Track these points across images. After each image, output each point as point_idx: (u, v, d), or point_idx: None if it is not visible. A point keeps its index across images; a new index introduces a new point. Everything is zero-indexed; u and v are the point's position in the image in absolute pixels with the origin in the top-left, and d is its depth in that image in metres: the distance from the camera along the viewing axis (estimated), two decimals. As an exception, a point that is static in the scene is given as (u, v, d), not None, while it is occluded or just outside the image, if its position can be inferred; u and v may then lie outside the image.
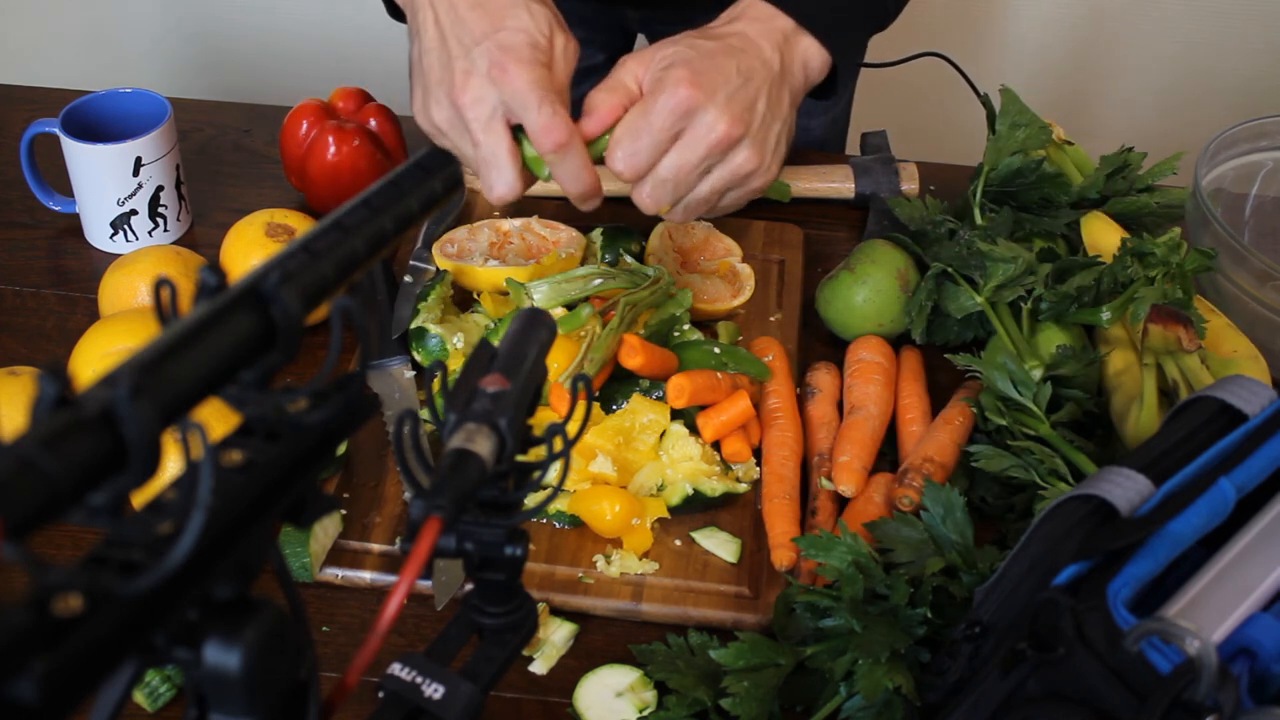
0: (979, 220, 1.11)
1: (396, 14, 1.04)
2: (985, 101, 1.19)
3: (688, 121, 0.93)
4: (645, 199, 0.96)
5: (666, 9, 0.97)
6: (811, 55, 1.00)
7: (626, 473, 0.95)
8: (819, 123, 1.48)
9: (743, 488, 0.97)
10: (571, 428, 0.63)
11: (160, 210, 1.18)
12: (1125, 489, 0.68)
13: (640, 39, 1.52)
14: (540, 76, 0.91)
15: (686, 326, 1.05)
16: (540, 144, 0.92)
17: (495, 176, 0.94)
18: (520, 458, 0.63)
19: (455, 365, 1.01)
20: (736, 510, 0.96)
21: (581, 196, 0.96)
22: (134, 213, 1.17)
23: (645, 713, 0.83)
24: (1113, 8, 2.20)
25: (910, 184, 1.25)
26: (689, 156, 0.94)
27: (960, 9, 2.19)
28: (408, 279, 1.12)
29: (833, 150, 1.51)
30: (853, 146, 1.52)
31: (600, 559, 0.92)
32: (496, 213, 1.20)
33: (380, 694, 0.62)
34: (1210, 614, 0.62)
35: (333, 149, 1.16)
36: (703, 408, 0.98)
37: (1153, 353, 0.95)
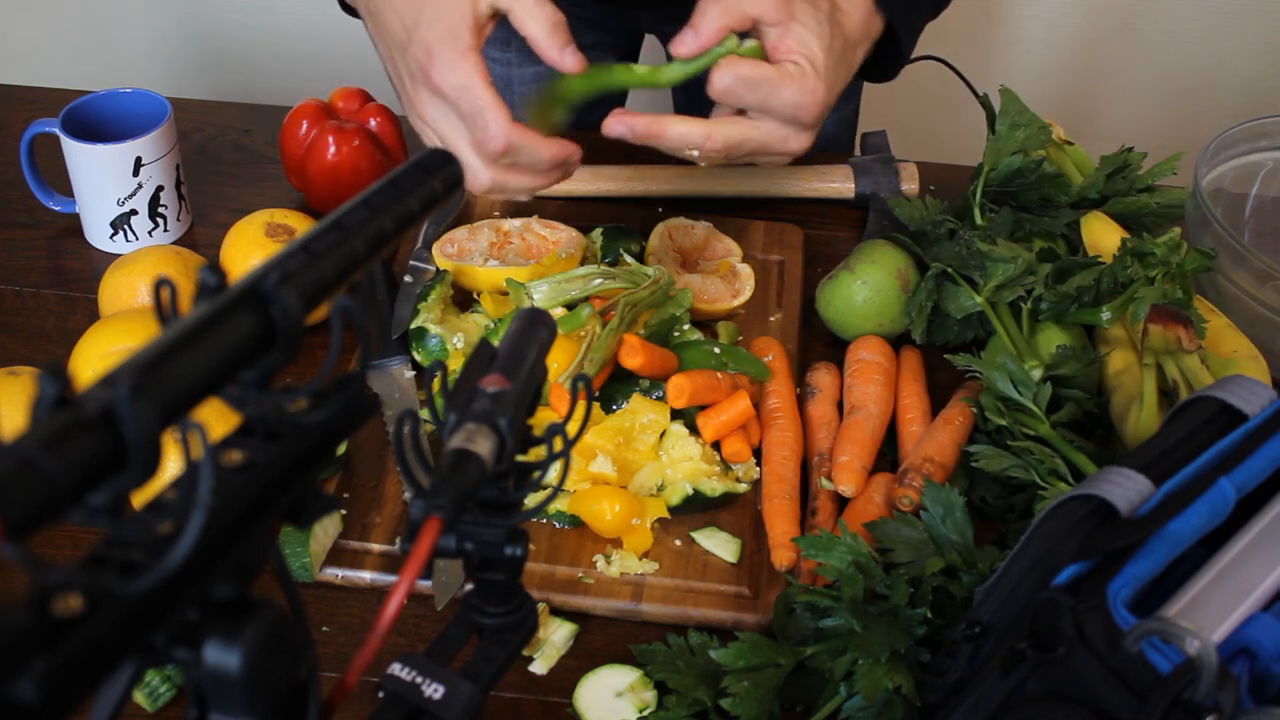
0: (979, 220, 1.11)
1: (348, 9, 1.04)
2: (985, 102, 1.19)
3: (790, 118, 0.93)
4: (702, 153, 0.94)
5: (678, 9, 0.96)
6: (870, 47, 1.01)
7: (626, 473, 0.95)
8: (829, 121, 1.47)
9: (743, 488, 0.97)
10: (571, 428, 0.63)
11: (160, 210, 1.18)
12: (1125, 489, 0.68)
13: (650, 40, 1.52)
14: (464, 78, 0.90)
15: (686, 326, 1.05)
16: (484, 155, 0.92)
17: (465, 172, 0.94)
18: (520, 458, 0.63)
19: (455, 365, 1.01)
20: (736, 510, 0.96)
21: (551, 168, 0.95)
22: (134, 213, 1.17)
23: (645, 713, 0.83)
24: (1113, 8, 2.20)
25: (910, 184, 1.25)
26: (765, 144, 0.94)
27: (960, 9, 2.19)
28: (408, 279, 1.11)
29: (840, 150, 1.51)
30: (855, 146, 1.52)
31: (600, 559, 0.92)
32: (496, 212, 1.20)
33: (380, 694, 0.62)
34: (1210, 614, 0.62)
35: (333, 149, 1.16)
36: (703, 408, 0.98)
37: (1153, 353, 0.95)
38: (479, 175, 0.94)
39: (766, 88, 0.91)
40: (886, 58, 1.04)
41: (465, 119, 0.91)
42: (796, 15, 0.92)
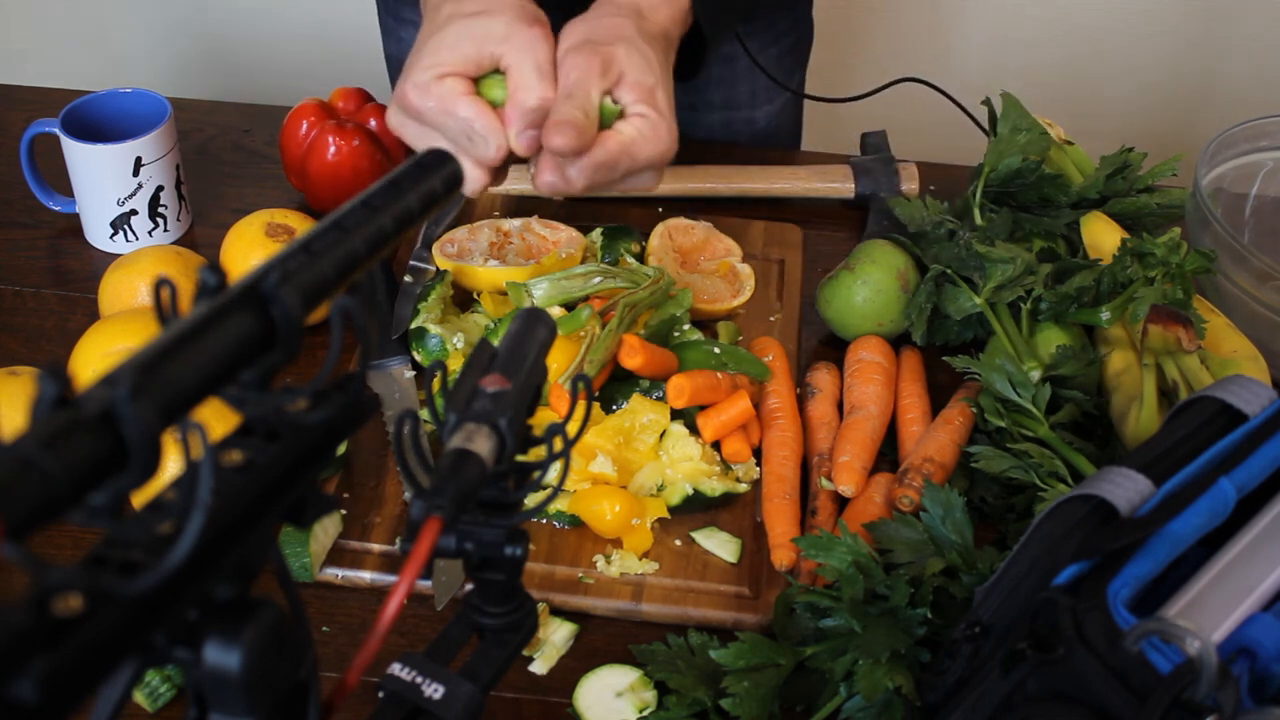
0: (978, 221, 1.11)
1: None
2: (985, 103, 1.19)
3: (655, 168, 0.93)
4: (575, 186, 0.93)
5: None
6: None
7: (626, 473, 0.95)
8: (764, 113, 1.45)
9: (743, 488, 0.97)
10: (571, 428, 0.63)
11: (160, 210, 1.18)
12: (1125, 489, 0.68)
13: None
14: (443, 99, 0.90)
15: (686, 326, 1.05)
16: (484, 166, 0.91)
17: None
18: (520, 458, 0.63)
19: (455, 365, 1.01)
20: (736, 510, 0.96)
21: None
22: (134, 213, 1.17)
23: (645, 713, 0.83)
24: (1113, 7, 2.20)
25: (910, 184, 1.25)
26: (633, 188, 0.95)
27: (960, 10, 2.19)
28: (408, 279, 1.12)
29: (785, 141, 1.50)
30: (848, 145, 1.52)
31: (600, 559, 0.92)
32: (496, 212, 1.20)
33: (380, 694, 0.62)
34: (1210, 614, 0.62)
35: (333, 149, 1.16)
36: (703, 408, 0.98)
37: (1153, 353, 0.95)
38: (476, 183, 0.93)
39: (626, 159, 0.91)
40: (688, 55, 1.03)
41: (457, 140, 0.91)
42: (619, 59, 0.91)
